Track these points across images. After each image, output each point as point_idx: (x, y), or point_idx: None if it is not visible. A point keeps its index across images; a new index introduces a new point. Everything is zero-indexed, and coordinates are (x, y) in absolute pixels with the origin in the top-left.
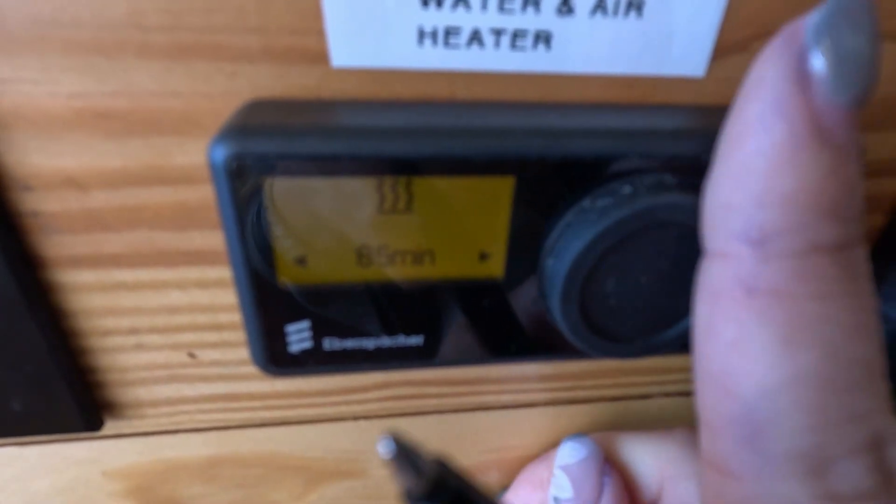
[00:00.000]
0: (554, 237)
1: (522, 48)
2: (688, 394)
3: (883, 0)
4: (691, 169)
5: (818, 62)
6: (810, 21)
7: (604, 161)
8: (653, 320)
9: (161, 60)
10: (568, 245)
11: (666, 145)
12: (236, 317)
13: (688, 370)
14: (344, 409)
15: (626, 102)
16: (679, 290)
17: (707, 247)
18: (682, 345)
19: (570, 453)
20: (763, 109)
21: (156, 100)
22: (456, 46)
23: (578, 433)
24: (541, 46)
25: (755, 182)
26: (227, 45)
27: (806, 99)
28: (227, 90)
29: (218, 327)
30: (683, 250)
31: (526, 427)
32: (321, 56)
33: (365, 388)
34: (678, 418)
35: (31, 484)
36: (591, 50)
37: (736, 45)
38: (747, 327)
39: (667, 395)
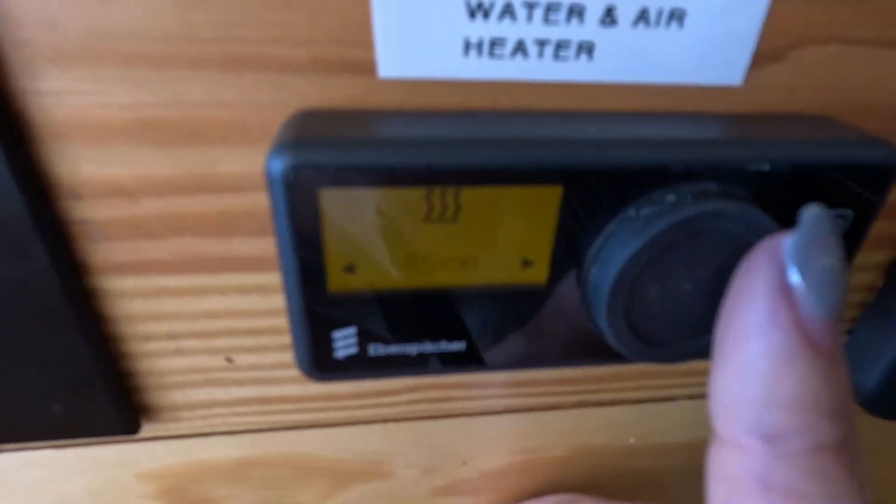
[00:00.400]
0: (598, 245)
1: (565, 58)
2: None
3: (886, 9)
4: (734, 177)
5: (798, 280)
6: (787, 244)
7: (649, 170)
8: (694, 325)
9: (211, 72)
10: (613, 254)
11: (709, 154)
12: (274, 321)
13: None
14: (374, 412)
15: (662, 110)
16: (721, 296)
17: (719, 433)
18: None
19: None
20: (758, 319)
21: (204, 110)
22: (500, 57)
23: None
24: (583, 57)
25: (759, 383)
26: (276, 57)
27: (793, 311)
28: (274, 101)
29: (256, 332)
30: (726, 257)
31: (552, 429)
32: (368, 67)
33: (395, 392)
34: (702, 421)
35: (64, 485)
36: (632, 60)
37: (773, 54)
38: None
39: (691, 397)
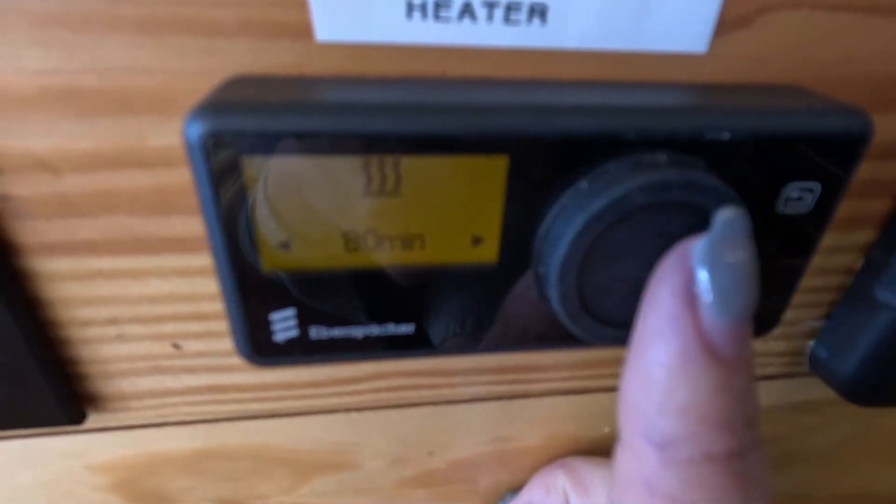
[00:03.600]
0: (549, 220)
1: (516, 22)
2: None
3: None
4: (693, 147)
5: (702, 285)
6: (696, 248)
7: (600, 140)
8: None
9: (132, 34)
10: (564, 228)
11: (666, 122)
12: (221, 306)
13: None
14: (335, 401)
15: (624, 80)
16: None
17: (622, 435)
18: None
19: None
20: (660, 324)
21: (128, 77)
22: (447, 20)
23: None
24: (535, 20)
25: (655, 390)
26: (202, 19)
27: (694, 317)
28: (203, 67)
29: (202, 317)
30: (681, 229)
31: (522, 418)
32: (304, 30)
33: (356, 380)
34: None
35: (14, 477)
36: (588, 24)
37: (739, 20)
38: None
39: None
